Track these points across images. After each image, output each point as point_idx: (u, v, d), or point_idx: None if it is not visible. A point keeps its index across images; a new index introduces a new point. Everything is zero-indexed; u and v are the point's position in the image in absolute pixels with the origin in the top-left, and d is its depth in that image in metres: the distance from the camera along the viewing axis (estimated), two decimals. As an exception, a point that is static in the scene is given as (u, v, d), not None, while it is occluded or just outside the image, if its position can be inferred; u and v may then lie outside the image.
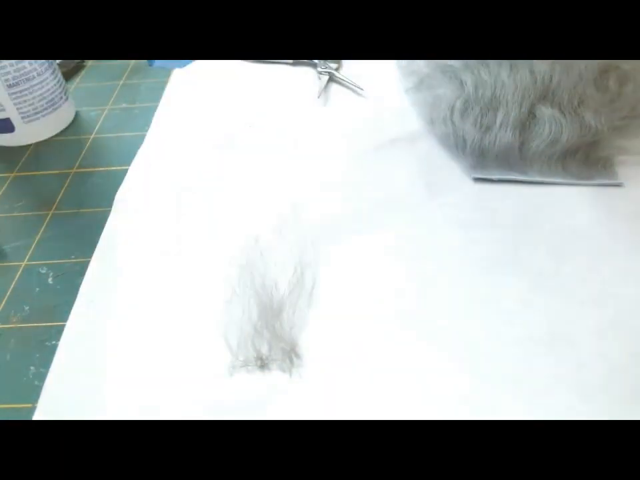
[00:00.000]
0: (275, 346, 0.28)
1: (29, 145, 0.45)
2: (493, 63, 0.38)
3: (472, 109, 0.37)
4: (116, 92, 0.50)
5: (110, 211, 0.37)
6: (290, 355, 0.28)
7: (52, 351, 0.30)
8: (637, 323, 0.28)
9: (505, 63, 0.38)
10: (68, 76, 0.53)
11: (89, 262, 0.34)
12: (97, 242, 0.35)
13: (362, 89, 0.45)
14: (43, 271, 0.34)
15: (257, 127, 0.43)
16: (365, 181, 0.37)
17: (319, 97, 0.45)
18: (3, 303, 0.33)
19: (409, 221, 0.34)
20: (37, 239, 0.37)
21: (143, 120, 0.46)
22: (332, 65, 0.48)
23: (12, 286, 0.34)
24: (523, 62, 0.38)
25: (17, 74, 0.41)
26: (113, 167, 0.42)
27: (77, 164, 0.43)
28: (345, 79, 0.46)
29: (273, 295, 0.30)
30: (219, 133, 0.43)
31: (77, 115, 0.48)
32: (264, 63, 0.50)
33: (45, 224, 0.38)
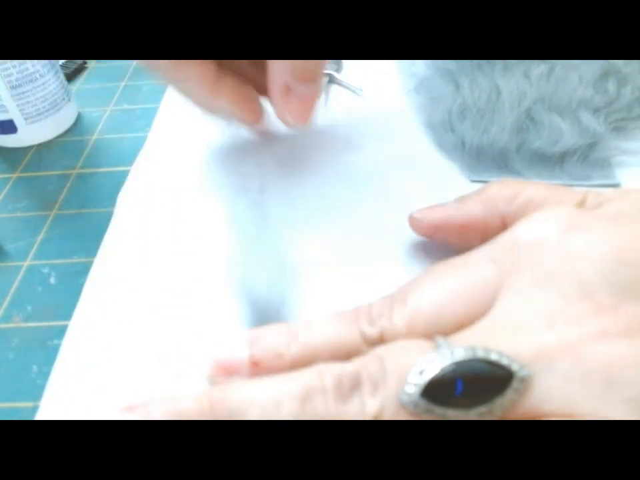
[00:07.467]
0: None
1: (32, 146, 0.45)
2: (486, 65, 0.39)
3: (469, 111, 0.37)
4: (118, 93, 0.51)
5: (112, 211, 0.37)
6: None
7: (54, 350, 0.30)
8: None
9: (498, 66, 0.38)
10: (70, 77, 0.53)
11: (91, 262, 0.34)
12: (100, 242, 0.35)
13: (362, 90, 0.45)
14: (45, 271, 0.35)
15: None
16: (364, 181, 0.37)
17: (319, 98, 0.45)
18: (6, 302, 0.33)
19: (407, 221, 0.34)
20: (39, 239, 0.37)
21: (145, 121, 0.46)
22: (332, 65, 0.48)
23: (14, 285, 0.34)
24: (517, 65, 0.38)
25: (20, 75, 0.42)
26: (115, 167, 0.42)
27: (80, 164, 0.43)
28: (344, 80, 0.46)
29: (274, 295, 0.30)
30: (219, 133, 0.43)
31: (79, 116, 0.48)
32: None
33: (48, 224, 0.38)
